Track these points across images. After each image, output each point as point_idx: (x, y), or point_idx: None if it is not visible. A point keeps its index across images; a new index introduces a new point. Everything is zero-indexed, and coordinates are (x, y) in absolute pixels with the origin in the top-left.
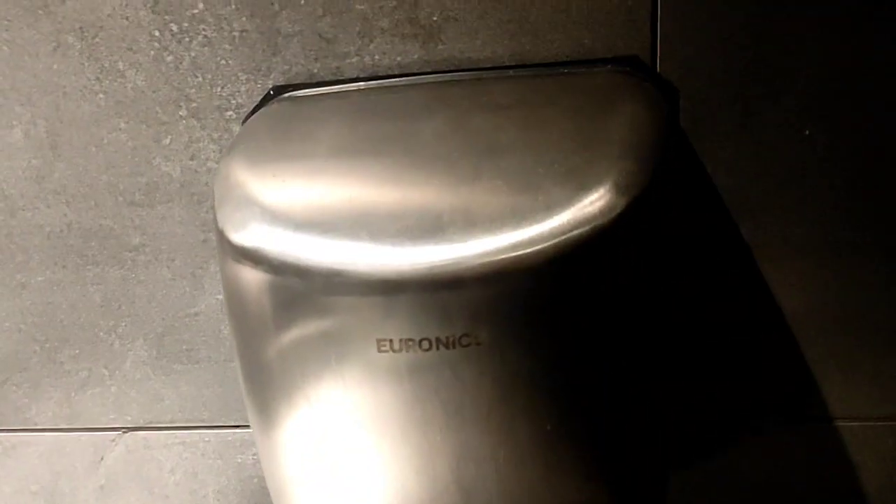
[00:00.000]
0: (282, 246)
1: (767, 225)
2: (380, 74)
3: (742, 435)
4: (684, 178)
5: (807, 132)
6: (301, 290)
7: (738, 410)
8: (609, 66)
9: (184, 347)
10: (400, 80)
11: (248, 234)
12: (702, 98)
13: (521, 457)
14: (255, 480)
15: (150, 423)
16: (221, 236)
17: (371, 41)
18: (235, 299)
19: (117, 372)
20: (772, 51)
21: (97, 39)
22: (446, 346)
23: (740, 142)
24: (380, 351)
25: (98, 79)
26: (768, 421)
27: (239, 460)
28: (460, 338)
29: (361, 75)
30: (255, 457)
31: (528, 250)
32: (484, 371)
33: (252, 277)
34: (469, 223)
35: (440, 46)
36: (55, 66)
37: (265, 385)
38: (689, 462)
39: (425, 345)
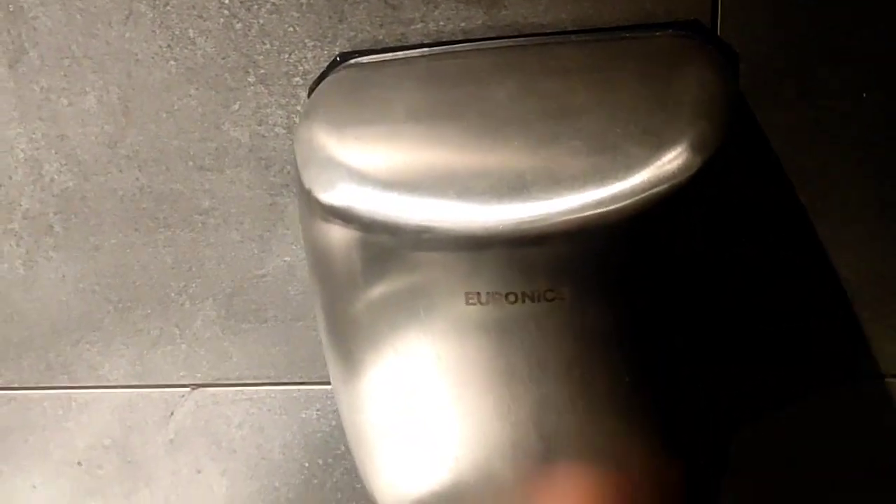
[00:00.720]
0: (372, 204)
1: (825, 188)
2: (444, 40)
3: (796, 393)
4: (743, 142)
5: (864, 95)
6: (391, 246)
7: (793, 369)
8: (670, 31)
9: (252, 308)
10: (465, 46)
11: (338, 193)
12: (761, 62)
13: (599, 407)
14: (319, 435)
15: (219, 380)
16: (309, 197)
17: (435, 7)
18: (322, 257)
19: (187, 331)
20: (831, 14)
21: (168, 7)
22: (531, 300)
23: (799, 105)
24: (468, 304)
25: (169, 46)
26: (823, 379)
27: (303, 416)
28: (545, 292)
29: (426, 41)
30: (318, 412)
31: (611, 207)
32: (566, 324)
33: (341, 235)
34: (553, 181)
35: (503, 12)
36: (127, 35)
37: (350, 339)
38: (741, 421)
39: (511, 298)
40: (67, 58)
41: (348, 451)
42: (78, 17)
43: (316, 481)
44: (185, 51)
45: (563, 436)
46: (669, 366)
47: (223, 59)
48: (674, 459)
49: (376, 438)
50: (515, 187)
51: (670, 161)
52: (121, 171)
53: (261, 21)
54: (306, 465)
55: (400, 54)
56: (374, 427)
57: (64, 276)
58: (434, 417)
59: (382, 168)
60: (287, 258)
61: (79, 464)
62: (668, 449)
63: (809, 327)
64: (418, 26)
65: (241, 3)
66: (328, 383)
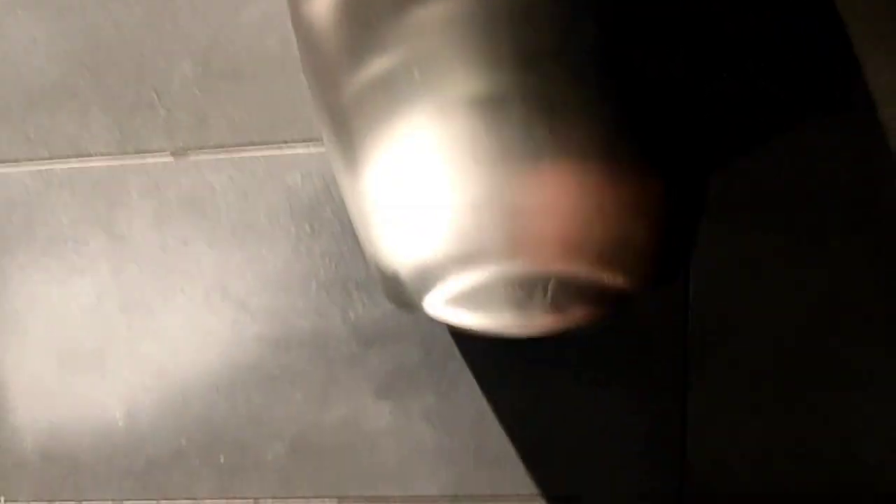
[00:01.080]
0: None
1: None
2: None
3: (785, 123)
4: None
5: None
6: None
7: (781, 95)
8: None
9: (230, 65)
10: None
11: None
12: None
13: (588, 108)
14: (305, 199)
15: (200, 145)
16: None
17: None
18: None
19: (165, 95)
20: None
21: None
22: None
23: None
24: None
25: None
26: (813, 108)
27: (288, 181)
28: None
29: None
30: (302, 175)
31: None
32: (555, 13)
33: None
34: None
35: None
36: None
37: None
38: (727, 153)
39: None
40: None
41: (335, 215)
42: None
43: (303, 247)
44: None
45: (552, 137)
46: (656, 62)
47: None
48: (654, 174)
49: (375, 148)
50: None
51: None
52: None
53: None
54: (293, 230)
55: None
56: (369, 146)
57: (35, 38)
58: (431, 148)
59: None
60: (263, 6)
61: (65, 241)
62: (648, 158)
63: (800, 52)
64: None
65: None
66: (312, 142)
